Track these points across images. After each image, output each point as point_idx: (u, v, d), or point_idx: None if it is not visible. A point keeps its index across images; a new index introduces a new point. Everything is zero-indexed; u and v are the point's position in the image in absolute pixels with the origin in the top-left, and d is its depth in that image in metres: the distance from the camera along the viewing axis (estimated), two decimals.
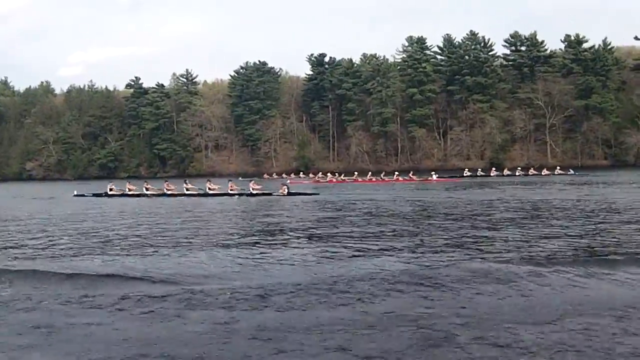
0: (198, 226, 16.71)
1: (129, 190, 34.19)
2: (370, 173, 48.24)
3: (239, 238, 13.74)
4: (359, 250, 11.22)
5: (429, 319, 6.28)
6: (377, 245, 11.86)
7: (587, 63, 76.04)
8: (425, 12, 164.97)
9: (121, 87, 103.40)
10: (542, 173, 49.54)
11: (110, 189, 34.29)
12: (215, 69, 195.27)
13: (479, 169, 54.73)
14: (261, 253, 11.25)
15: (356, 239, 12.94)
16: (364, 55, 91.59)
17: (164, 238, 14.04)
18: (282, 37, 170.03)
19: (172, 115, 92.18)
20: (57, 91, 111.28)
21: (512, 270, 8.48)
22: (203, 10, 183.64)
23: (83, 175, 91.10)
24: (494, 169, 54.88)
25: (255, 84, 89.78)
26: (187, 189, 32.26)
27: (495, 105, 78.82)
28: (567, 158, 74.24)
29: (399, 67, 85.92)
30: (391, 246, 11.62)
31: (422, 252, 10.68)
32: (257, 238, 13.61)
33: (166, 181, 36.58)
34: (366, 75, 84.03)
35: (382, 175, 46.55)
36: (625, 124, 72.91)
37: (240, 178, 56.54)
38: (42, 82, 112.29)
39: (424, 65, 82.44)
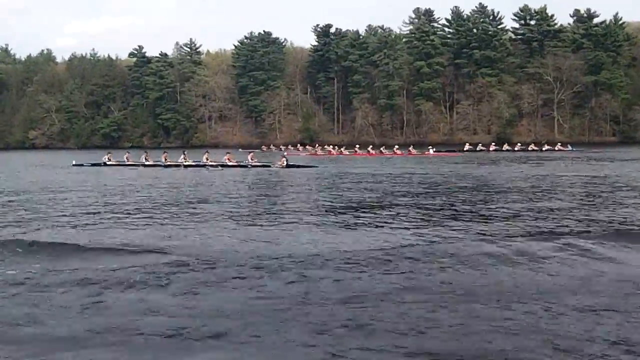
0: (198, 198, 16.45)
1: (127, 160, 34.45)
2: (370, 147, 48.36)
3: (243, 210, 13.59)
4: (372, 225, 10.99)
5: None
6: (398, 219, 11.62)
7: (597, 38, 74.92)
8: None
9: (123, 56, 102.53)
10: (543, 149, 49.42)
11: (109, 159, 34.42)
12: (217, 39, 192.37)
13: (479, 144, 54.48)
14: (268, 225, 11.10)
15: (366, 212, 12.77)
16: (369, 26, 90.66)
17: (167, 210, 13.72)
18: (285, 6, 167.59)
19: (176, 85, 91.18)
20: (59, 60, 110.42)
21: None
22: None
23: (86, 145, 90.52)
24: (493, 144, 54.87)
25: (260, 55, 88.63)
26: (185, 160, 32.19)
27: (504, 79, 77.89)
28: (575, 134, 73.75)
29: (405, 40, 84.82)
30: (401, 220, 11.48)
31: (431, 227, 10.53)
32: (259, 210, 13.40)
33: (165, 152, 36.71)
34: (373, 47, 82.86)
35: (381, 149, 46.73)
36: (635, 100, 72.22)
37: (240, 150, 56.11)
38: (42, 50, 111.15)
39: (432, 37, 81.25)
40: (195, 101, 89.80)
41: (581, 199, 14.62)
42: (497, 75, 78.07)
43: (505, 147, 53.05)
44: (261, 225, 11.16)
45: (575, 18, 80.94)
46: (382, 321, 5.22)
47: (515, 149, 50.80)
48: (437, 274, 6.93)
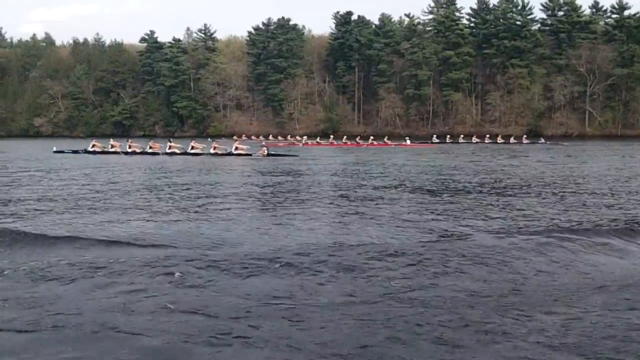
0: (179, 187, 15.92)
1: (112, 147, 34.81)
2: (345, 137, 51.14)
3: (222, 198, 13.11)
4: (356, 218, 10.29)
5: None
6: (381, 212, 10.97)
7: (630, 30, 73.83)
8: None
9: (128, 40, 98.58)
10: (511, 141, 51.08)
11: (93, 145, 34.85)
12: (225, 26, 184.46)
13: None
14: (264, 215, 10.58)
15: (362, 202, 12.27)
16: (383, 14, 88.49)
17: (145, 199, 13.09)
18: None
19: (191, 73, 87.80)
20: (58, 43, 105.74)
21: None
22: None
23: (95, 133, 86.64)
24: (525, 136, 55.00)
25: (279, 42, 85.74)
26: (170, 147, 33.04)
27: (534, 70, 76.39)
28: (608, 127, 72.82)
29: (431, 28, 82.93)
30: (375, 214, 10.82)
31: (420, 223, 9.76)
32: (251, 200, 13.04)
33: (151, 140, 38.28)
34: (400, 36, 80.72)
35: (357, 139, 48.29)
36: None
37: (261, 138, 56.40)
38: (33, 34, 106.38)
39: (460, 26, 79.42)
40: (211, 89, 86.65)
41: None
42: (527, 66, 76.58)
43: (474, 139, 52.89)
44: (256, 215, 10.60)
45: (593, 10, 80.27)
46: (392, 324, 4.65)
47: (485, 141, 51.78)
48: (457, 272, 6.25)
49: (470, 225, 9.26)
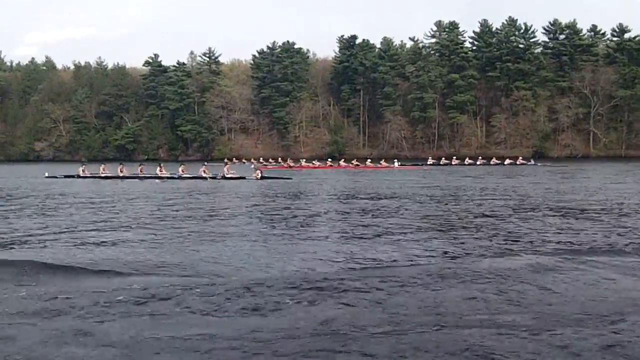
0: (172, 211, 15.55)
1: (102, 171, 34.57)
2: (343, 160, 51.85)
3: (230, 224, 12.51)
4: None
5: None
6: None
7: (631, 52, 75.28)
8: None
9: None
10: (505, 163, 51.56)
11: (83, 171, 34.39)
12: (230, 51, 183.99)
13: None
14: (261, 240, 10.23)
15: (361, 224, 12.06)
16: (385, 38, 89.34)
17: (140, 225, 12.44)
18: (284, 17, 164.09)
19: (196, 96, 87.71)
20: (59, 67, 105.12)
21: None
22: None
23: (97, 157, 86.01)
24: (521, 158, 55.15)
25: (284, 65, 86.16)
26: (161, 173, 32.72)
27: (538, 93, 77.37)
28: (613, 147, 73.68)
29: (433, 51, 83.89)
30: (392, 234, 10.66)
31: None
32: (245, 224, 12.42)
33: (140, 165, 37.75)
34: (405, 59, 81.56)
35: (352, 162, 49.52)
36: None
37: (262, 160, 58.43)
38: (32, 58, 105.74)
39: (464, 49, 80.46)
40: (216, 112, 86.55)
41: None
42: (531, 88, 77.57)
43: (468, 160, 53.03)
44: (255, 240, 10.21)
45: (592, 33, 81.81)
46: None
47: (477, 163, 52.24)
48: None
49: (471, 247, 9.15)
